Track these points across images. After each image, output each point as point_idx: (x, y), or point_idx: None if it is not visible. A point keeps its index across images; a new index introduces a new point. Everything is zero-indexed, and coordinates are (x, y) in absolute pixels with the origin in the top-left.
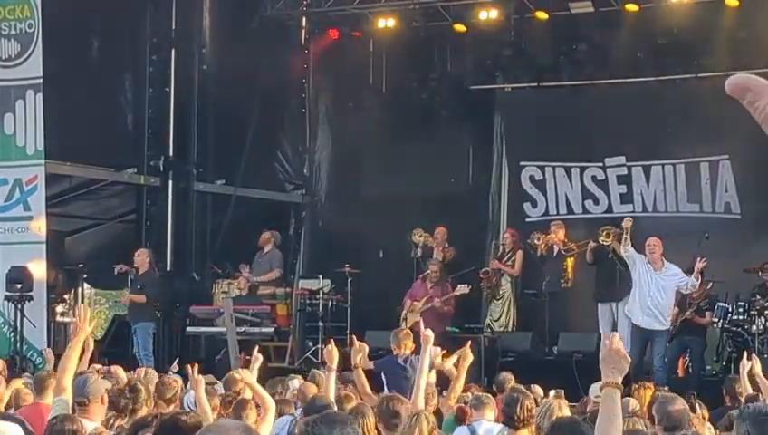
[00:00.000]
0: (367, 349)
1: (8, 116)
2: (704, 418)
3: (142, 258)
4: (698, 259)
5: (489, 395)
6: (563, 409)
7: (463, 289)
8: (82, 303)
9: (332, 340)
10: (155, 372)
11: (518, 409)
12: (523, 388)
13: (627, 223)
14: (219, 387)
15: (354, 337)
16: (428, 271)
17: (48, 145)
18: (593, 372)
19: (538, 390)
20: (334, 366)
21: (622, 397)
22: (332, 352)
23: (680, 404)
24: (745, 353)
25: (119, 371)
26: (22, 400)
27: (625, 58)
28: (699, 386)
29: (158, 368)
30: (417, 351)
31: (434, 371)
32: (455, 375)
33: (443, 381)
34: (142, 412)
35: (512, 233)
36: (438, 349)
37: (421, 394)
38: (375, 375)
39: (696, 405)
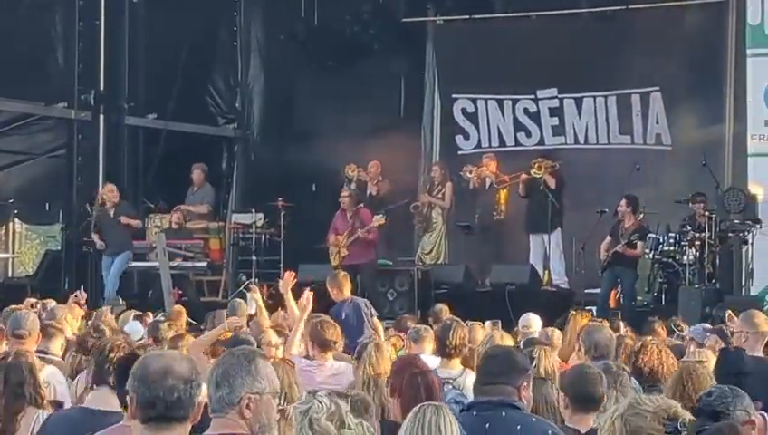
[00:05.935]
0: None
1: None
2: None
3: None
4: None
5: (428, 327)
6: (505, 339)
7: (379, 219)
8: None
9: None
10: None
11: (451, 336)
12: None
13: None
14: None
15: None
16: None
17: None
18: (526, 303)
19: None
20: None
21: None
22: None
23: (607, 333)
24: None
25: (52, 304)
26: None
27: None
28: (630, 317)
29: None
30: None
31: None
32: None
33: None
34: None
35: (440, 166)
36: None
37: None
38: None
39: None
